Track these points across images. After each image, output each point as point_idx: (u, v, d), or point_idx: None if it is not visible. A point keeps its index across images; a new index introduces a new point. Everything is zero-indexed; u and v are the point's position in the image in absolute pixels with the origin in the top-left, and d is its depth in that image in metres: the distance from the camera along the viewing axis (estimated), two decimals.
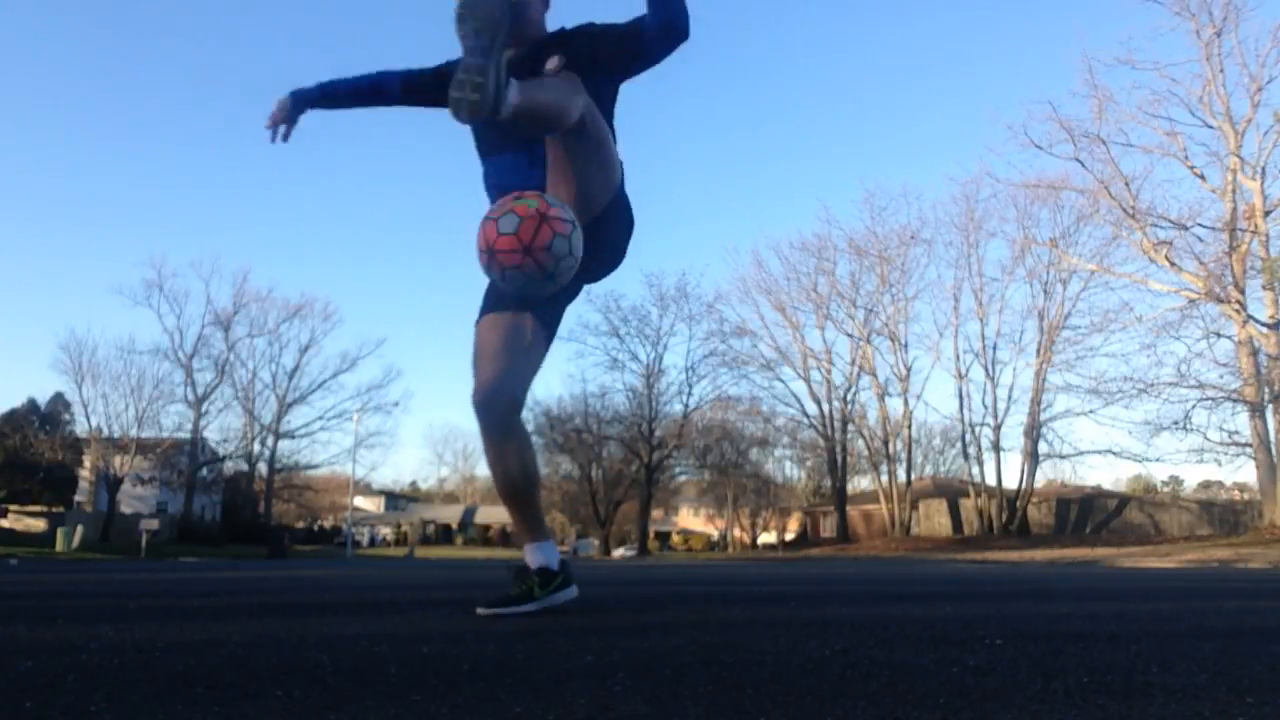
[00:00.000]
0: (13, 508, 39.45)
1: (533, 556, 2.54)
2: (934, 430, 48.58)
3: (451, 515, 70.48)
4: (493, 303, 2.61)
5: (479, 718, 1.09)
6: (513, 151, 2.62)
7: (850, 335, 38.64)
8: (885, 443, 38.41)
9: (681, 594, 3.71)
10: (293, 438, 48.01)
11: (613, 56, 2.58)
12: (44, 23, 74.88)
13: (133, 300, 53.69)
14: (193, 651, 1.70)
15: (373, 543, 62.91)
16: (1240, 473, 64.60)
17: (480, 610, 2.49)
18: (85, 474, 43.49)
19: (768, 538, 51.11)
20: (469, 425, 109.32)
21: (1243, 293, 23.01)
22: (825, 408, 39.92)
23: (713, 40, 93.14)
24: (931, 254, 39.56)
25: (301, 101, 2.80)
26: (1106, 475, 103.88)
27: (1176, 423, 24.33)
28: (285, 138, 2.80)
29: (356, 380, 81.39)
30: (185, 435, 44.24)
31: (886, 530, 37.05)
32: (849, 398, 39.46)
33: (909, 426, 38.11)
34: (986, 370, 35.43)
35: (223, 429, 50.51)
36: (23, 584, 4.93)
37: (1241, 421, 24.11)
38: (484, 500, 78.99)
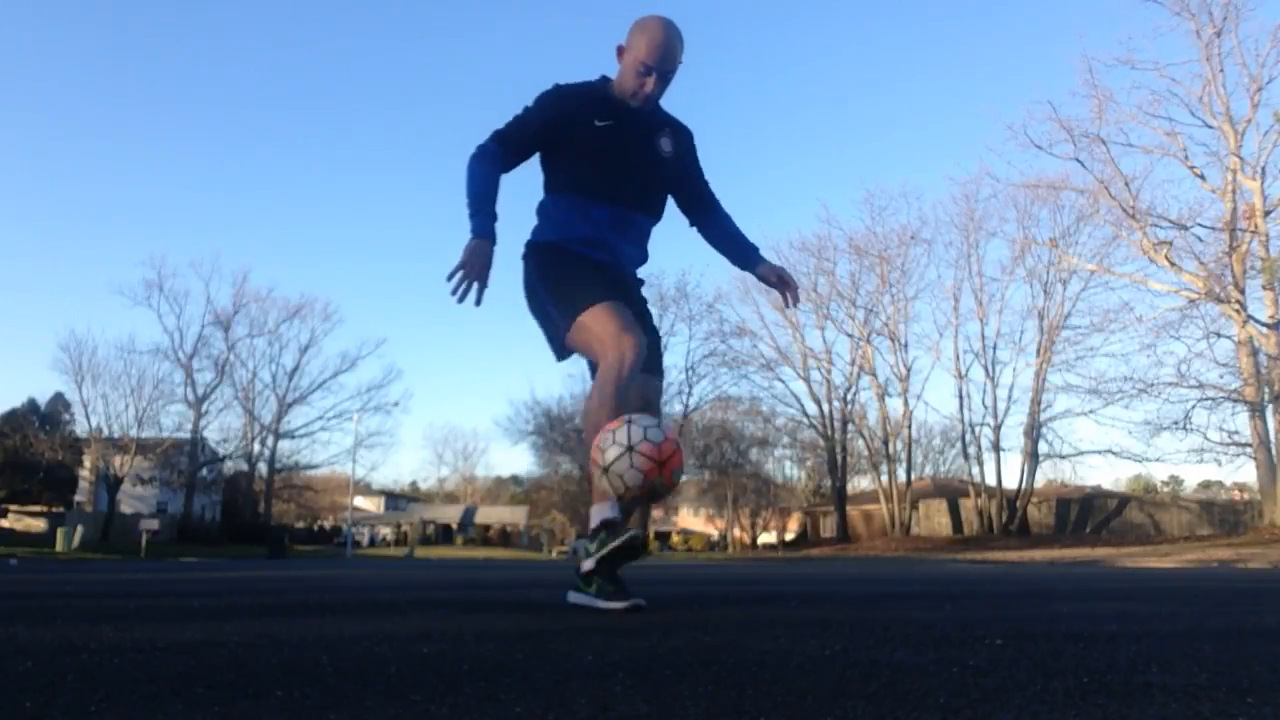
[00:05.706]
0: (13, 508, 39.50)
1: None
2: (934, 430, 48.68)
3: (451, 515, 70.46)
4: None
5: (479, 718, 1.09)
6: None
7: (850, 335, 38.70)
8: (885, 443, 38.42)
9: (681, 594, 3.71)
10: (293, 438, 48.13)
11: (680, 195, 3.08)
12: (44, 23, 74.92)
13: (133, 300, 53.90)
14: (193, 651, 1.69)
15: (373, 543, 62.87)
16: (1240, 473, 64.61)
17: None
18: (85, 474, 43.52)
19: (768, 538, 51.11)
20: (469, 425, 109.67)
21: (1243, 293, 23.01)
22: (825, 408, 39.96)
23: (712, 41, 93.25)
24: (931, 254, 39.72)
25: (492, 238, 2.59)
26: (1106, 475, 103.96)
27: (1176, 423, 24.35)
28: (478, 301, 2.57)
29: (356, 380, 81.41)
30: (185, 435, 44.30)
31: (886, 530, 37.05)
32: (849, 398, 39.50)
33: (909, 426, 38.13)
34: (986, 370, 35.49)
35: (223, 429, 50.68)
36: (23, 584, 4.93)
37: (1241, 421, 24.14)
38: (484, 500, 78.98)
